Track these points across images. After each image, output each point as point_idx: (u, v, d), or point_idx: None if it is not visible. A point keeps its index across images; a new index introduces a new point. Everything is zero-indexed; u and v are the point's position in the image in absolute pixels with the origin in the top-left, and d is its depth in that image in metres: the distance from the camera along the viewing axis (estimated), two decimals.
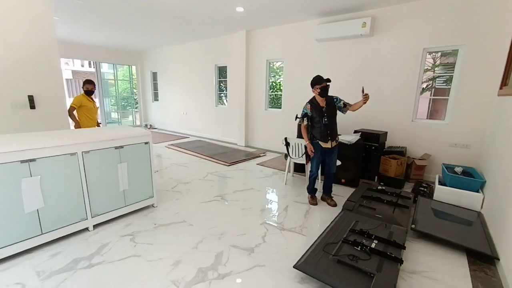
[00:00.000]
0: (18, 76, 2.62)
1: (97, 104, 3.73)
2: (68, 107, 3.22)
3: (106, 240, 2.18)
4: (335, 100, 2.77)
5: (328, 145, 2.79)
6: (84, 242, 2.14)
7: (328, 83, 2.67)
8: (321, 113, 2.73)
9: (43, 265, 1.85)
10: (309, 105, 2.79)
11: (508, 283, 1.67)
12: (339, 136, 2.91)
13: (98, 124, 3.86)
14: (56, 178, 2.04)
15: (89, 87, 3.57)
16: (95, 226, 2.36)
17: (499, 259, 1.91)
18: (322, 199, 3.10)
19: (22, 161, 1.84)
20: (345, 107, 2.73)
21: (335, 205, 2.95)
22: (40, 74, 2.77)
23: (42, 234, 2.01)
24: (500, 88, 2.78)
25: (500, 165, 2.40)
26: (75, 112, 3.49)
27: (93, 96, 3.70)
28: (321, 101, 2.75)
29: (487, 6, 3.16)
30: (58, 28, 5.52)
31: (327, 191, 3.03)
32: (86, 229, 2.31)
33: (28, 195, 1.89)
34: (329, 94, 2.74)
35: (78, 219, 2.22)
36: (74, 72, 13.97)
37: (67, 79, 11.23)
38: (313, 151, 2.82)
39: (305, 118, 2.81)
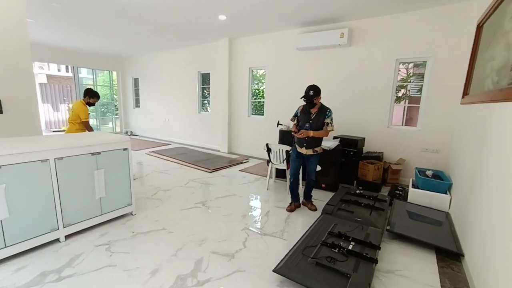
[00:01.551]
0: None
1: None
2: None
3: (79, 251, 2.08)
4: (327, 113, 2.74)
5: (302, 150, 2.85)
6: (54, 254, 2.02)
7: (304, 98, 2.68)
8: (308, 118, 2.78)
9: (6, 280, 1.72)
10: (301, 107, 2.87)
11: (472, 277, 1.78)
12: (320, 147, 2.87)
13: None
14: (24, 187, 1.92)
15: (96, 101, 3.68)
16: (67, 237, 2.23)
17: (464, 255, 2.04)
18: (303, 204, 3.16)
19: None
20: (326, 125, 2.75)
21: (315, 209, 3.00)
22: (9, 77, 2.64)
23: (5, 247, 1.87)
24: (462, 97, 3.03)
25: (463, 168, 2.59)
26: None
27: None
28: (313, 109, 2.76)
29: (452, 21, 3.46)
30: (34, 31, 5.30)
31: (306, 197, 3.10)
32: (57, 240, 2.18)
33: None
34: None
35: (48, 229, 2.09)
36: (49, 77, 13.33)
37: (41, 84, 10.67)
38: (303, 137, 2.72)
39: (295, 118, 2.91)
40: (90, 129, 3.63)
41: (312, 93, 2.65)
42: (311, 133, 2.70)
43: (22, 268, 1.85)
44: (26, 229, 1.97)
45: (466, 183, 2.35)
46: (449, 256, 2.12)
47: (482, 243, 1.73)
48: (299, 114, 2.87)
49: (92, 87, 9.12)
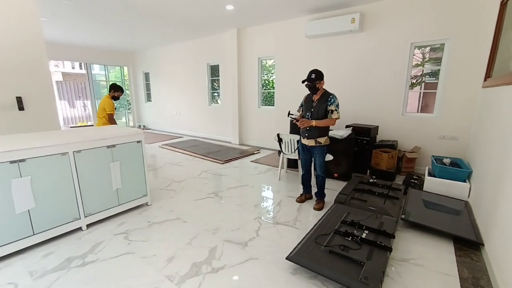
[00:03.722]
0: (5, 78, 2.59)
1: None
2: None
3: (100, 239, 2.18)
4: (329, 99, 2.55)
5: (305, 141, 2.74)
6: (78, 242, 2.14)
7: (306, 83, 2.55)
8: (309, 106, 2.66)
9: (36, 265, 1.85)
10: (304, 97, 2.78)
11: (492, 267, 1.73)
12: (325, 138, 2.67)
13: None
14: (47, 178, 2.03)
15: (121, 95, 3.85)
16: (88, 226, 2.35)
17: (483, 245, 1.98)
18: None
19: (12, 162, 1.82)
20: (330, 113, 2.55)
21: (318, 209, 2.75)
22: (28, 75, 2.74)
23: (34, 234, 2.00)
24: (484, 80, 2.86)
25: (487, 155, 2.44)
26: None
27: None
28: (315, 96, 2.63)
29: (471, 0, 3.24)
30: (47, 30, 5.45)
31: (315, 193, 2.89)
32: (80, 228, 2.30)
33: (18, 196, 1.88)
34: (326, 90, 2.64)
35: (71, 219, 2.21)
36: (64, 74, 13.74)
37: (57, 81, 11.04)
38: (305, 126, 2.60)
39: (300, 108, 2.83)
40: (113, 122, 3.77)
41: (314, 76, 2.50)
42: (314, 123, 2.53)
43: (50, 254, 1.97)
44: (51, 218, 2.09)
45: (491, 170, 2.20)
46: (468, 246, 2.06)
47: (506, 233, 1.65)
48: (302, 104, 2.78)
49: (107, 83, 9.39)
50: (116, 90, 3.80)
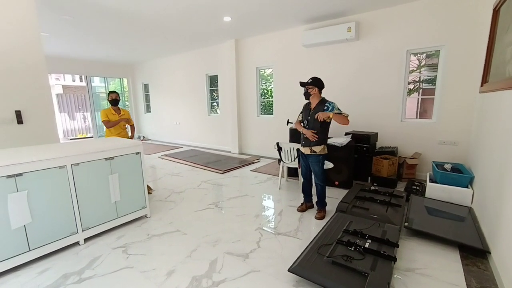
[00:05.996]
0: (4, 92, 2.60)
1: (121, 113, 3.76)
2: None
3: (98, 253, 2.14)
4: (325, 107, 2.54)
5: (303, 150, 2.73)
6: (75, 257, 2.09)
7: (304, 87, 2.59)
8: (307, 114, 2.66)
9: (31, 282, 1.79)
10: (304, 104, 2.78)
11: (500, 275, 1.68)
12: (321, 147, 2.62)
13: (126, 129, 3.84)
14: (45, 192, 2.00)
15: (113, 96, 3.66)
16: (86, 240, 2.31)
17: (490, 253, 1.93)
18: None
19: (8, 176, 1.80)
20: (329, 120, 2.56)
21: (320, 218, 2.70)
22: (27, 89, 2.76)
23: (29, 250, 1.95)
24: (481, 85, 2.88)
25: (489, 160, 2.42)
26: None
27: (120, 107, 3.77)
28: (313, 103, 2.64)
29: (465, 7, 3.31)
30: (48, 44, 5.53)
31: (316, 202, 2.84)
32: (77, 243, 2.26)
33: (14, 211, 1.84)
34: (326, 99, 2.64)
35: (68, 233, 2.17)
36: (65, 87, 13.87)
37: (58, 94, 11.13)
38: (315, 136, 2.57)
39: (300, 115, 2.82)
40: (107, 125, 3.55)
41: (310, 81, 2.57)
42: (331, 115, 2.41)
43: (45, 271, 1.92)
44: (47, 233, 2.05)
45: (494, 176, 2.18)
46: (474, 254, 2.02)
47: None
48: (301, 111, 2.79)
49: (105, 94, 9.45)
50: (108, 95, 3.70)
